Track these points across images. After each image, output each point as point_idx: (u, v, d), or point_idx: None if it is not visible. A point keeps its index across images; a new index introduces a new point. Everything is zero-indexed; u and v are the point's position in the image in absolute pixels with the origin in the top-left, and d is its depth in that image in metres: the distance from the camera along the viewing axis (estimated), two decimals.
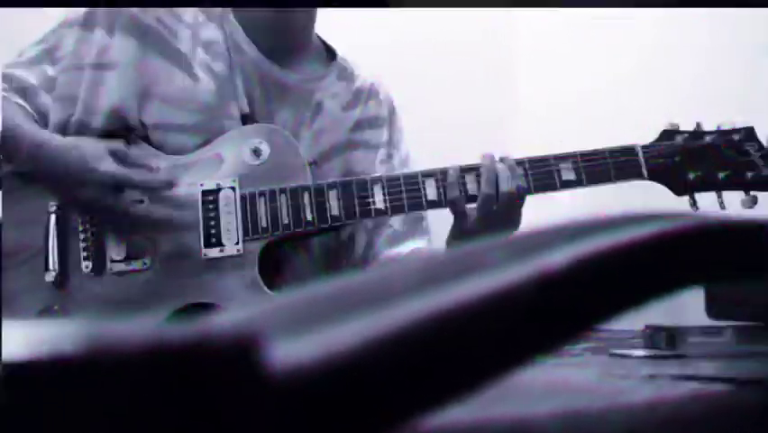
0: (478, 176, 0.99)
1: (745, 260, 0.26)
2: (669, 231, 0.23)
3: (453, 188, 0.98)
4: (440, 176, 0.99)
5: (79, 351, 0.15)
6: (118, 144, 1.00)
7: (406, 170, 1.08)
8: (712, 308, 1.05)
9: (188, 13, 1.08)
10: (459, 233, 1.00)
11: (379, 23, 1.79)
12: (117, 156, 0.98)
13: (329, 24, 1.18)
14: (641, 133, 1.02)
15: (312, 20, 1.13)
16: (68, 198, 1.00)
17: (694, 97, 1.52)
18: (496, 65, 1.95)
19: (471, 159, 1.01)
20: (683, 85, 1.60)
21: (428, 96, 1.71)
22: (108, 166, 0.96)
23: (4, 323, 0.16)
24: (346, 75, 1.15)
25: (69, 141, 1.00)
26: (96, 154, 0.96)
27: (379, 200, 0.99)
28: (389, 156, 1.15)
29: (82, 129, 1.03)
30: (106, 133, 1.03)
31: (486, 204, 0.97)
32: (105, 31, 1.05)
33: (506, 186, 0.97)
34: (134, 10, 1.05)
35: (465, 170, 0.99)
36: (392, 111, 1.19)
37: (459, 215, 0.99)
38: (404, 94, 1.22)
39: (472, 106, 1.84)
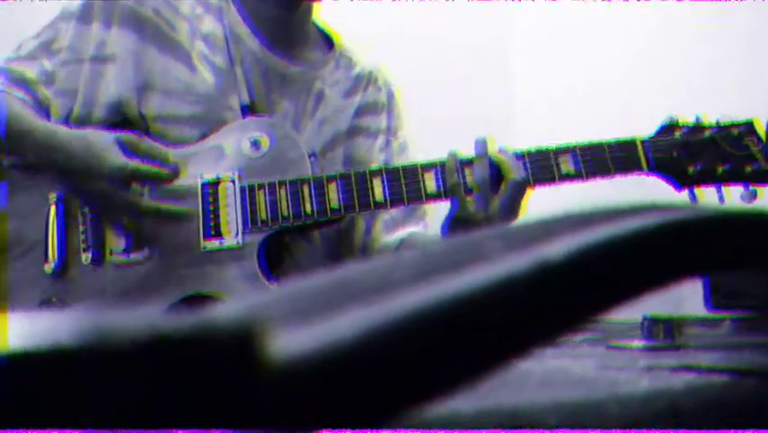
0: None
1: (745, 251, 0.26)
2: (669, 221, 0.23)
3: (453, 174, 0.97)
4: (440, 168, 0.99)
5: (78, 342, 0.15)
6: (125, 134, 0.99)
7: (404, 157, 1.08)
8: (713, 299, 1.05)
9: (186, 5, 1.07)
10: (459, 220, 0.99)
11: (376, 18, 1.78)
12: (124, 147, 0.97)
13: (328, 16, 1.18)
14: (640, 128, 1.02)
15: (312, 9, 1.13)
16: (75, 190, 1.00)
17: (694, 92, 1.52)
18: (495, 59, 1.95)
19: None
20: (683, 79, 1.60)
21: (426, 91, 1.71)
22: (115, 157, 0.95)
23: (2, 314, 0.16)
24: (345, 62, 1.15)
25: (76, 132, 0.99)
26: (103, 145, 0.96)
27: (378, 192, 0.99)
28: (388, 143, 1.15)
29: (83, 122, 1.03)
30: (107, 126, 1.03)
31: (482, 187, 0.97)
32: (102, 24, 1.05)
33: (516, 174, 0.96)
34: (131, 1, 1.05)
35: (465, 162, 0.99)
36: (391, 97, 1.19)
37: (459, 203, 0.98)
38: (402, 89, 1.22)
39: (471, 101, 1.84)
